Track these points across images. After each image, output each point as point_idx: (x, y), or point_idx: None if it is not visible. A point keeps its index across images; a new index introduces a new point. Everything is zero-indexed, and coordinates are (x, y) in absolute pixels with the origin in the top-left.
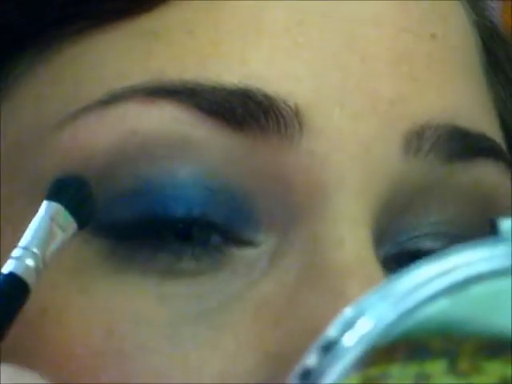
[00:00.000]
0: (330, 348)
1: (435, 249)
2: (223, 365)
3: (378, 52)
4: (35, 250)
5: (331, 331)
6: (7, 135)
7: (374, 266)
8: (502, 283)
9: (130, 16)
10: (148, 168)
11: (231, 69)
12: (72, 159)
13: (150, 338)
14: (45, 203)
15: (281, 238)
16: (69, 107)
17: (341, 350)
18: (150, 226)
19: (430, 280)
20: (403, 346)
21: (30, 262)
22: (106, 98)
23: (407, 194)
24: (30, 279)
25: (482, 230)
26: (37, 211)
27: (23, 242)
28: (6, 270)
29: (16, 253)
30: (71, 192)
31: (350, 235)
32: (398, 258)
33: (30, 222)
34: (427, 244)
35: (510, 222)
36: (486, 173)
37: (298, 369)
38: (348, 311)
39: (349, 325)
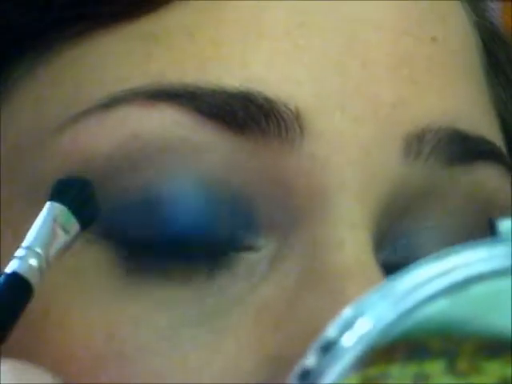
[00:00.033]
0: (329, 348)
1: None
2: (224, 367)
3: (378, 55)
4: (38, 249)
5: (330, 331)
6: (7, 138)
7: (373, 270)
8: (502, 283)
9: (130, 19)
10: (148, 171)
11: (232, 72)
12: (72, 162)
13: (150, 340)
14: (48, 204)
15: (281, 241)
16: (69, 110)
17: (340, 350)
18: (150, 230)
19: (430, 280)
20: (402, 346)
21: (33, 261)
22: (106, 102)
23: (407, 198)
24: (33, 279)
25: (483, 233)
26: (36, 214)
27: (26, 242)
28: (9, 269)
29: (19, 253)
30: (74, 192)
31: (350, 238)
32: (398, 261)
33: (29, 226)
34: (427, 247)
35: (508, 222)
36: (487, 176)
37: (297, 369)
38: (347, 311)
39: (348, 325)
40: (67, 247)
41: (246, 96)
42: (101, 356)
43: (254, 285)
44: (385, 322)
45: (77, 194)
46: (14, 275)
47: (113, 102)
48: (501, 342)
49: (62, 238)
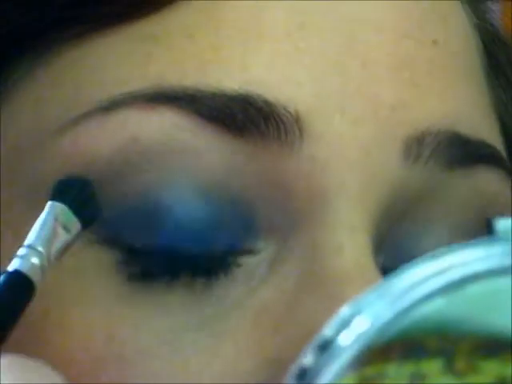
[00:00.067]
0: (326, 347)
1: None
2: (223, 371)
3: (378, 57)
4: (40, 248)
5: (327, 330)
6: (7, 139)
7: (373, 273)
8: (498, 282)
9: (130, 20)
10: (148, 175)
11: (231, 74)
12: (72, 164)
13: (150, 343)
14: (49, 203)
15: (280, 244)
16: (69, 112)
17: (337, 349)
18: (150, 234)
19: (427, 279)
20: (399, 345)
21: (35, 260)
22: (106, 104)
23: (407, 201)
24: (35, 277)
25: (482, 236)
26: (36, 216)
27: (28, 240)
28: (11, 267)
29: (21, 251)
30: (74, 192)
31: (349, 242)
32: (397, 264)
33: (29, 227)
34: (427, 250)
35: (506, 221)
36: (486, 180)
37: (294, 368)
38: (344, 310)
39: (345, 324)
40: (68, 246)
41: (245, 99)
42: (100, 358)
43: (253, 288)
44: (382, 320)
45: (77, 193)
46: (17, 273)
47: (113, 105)
48: (498, 341)
49: (63, 237)
